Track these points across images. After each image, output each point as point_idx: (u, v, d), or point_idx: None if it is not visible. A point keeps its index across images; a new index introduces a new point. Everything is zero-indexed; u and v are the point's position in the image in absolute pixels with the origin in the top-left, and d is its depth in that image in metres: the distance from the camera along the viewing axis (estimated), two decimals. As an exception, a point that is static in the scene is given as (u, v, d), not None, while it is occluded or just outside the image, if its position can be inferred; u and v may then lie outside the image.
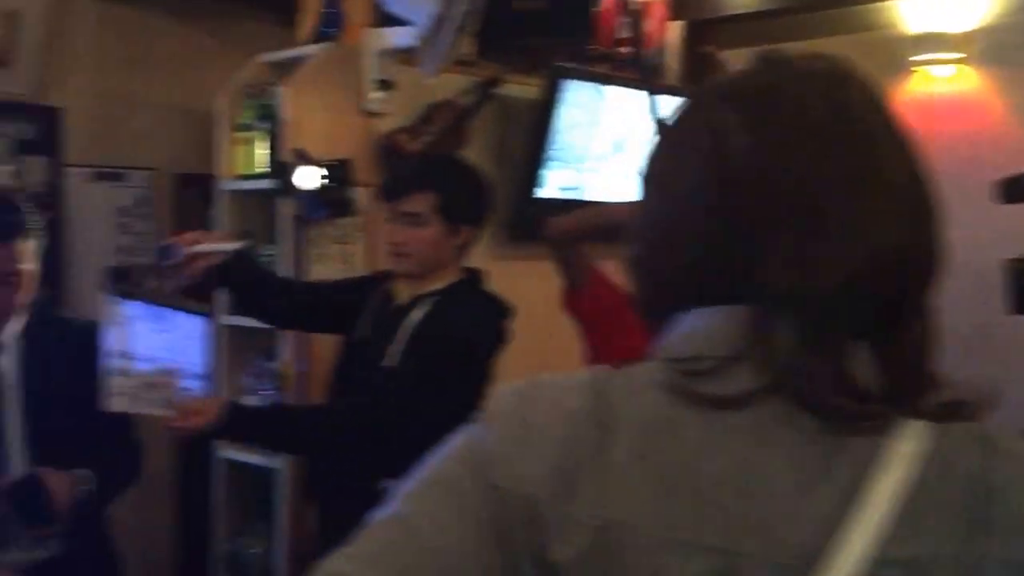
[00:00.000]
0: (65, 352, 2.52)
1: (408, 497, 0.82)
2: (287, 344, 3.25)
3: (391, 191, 2.64)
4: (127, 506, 2.71)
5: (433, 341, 2.51)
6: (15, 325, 2.46)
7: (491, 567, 0.78)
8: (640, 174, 0.92)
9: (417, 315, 2.56)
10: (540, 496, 0.78)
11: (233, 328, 3.45)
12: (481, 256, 3.91)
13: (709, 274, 0.85)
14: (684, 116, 0.91)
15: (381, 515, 0.82)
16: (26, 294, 2.43)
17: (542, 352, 3.91)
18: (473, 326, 2.59)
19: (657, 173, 0.91)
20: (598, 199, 3.82)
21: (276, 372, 3.26)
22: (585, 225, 2.92)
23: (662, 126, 0.91)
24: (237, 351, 3.47)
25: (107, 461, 2.46)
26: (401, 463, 0.93)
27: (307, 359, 3.20)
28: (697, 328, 0.84)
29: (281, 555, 3.29)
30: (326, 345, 3.36)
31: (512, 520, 0.78)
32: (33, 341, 2.48)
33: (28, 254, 2.39)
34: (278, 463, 3.25)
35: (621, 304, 3.03)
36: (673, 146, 0.91)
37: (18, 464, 2.37)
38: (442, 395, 2.41)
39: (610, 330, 3.01)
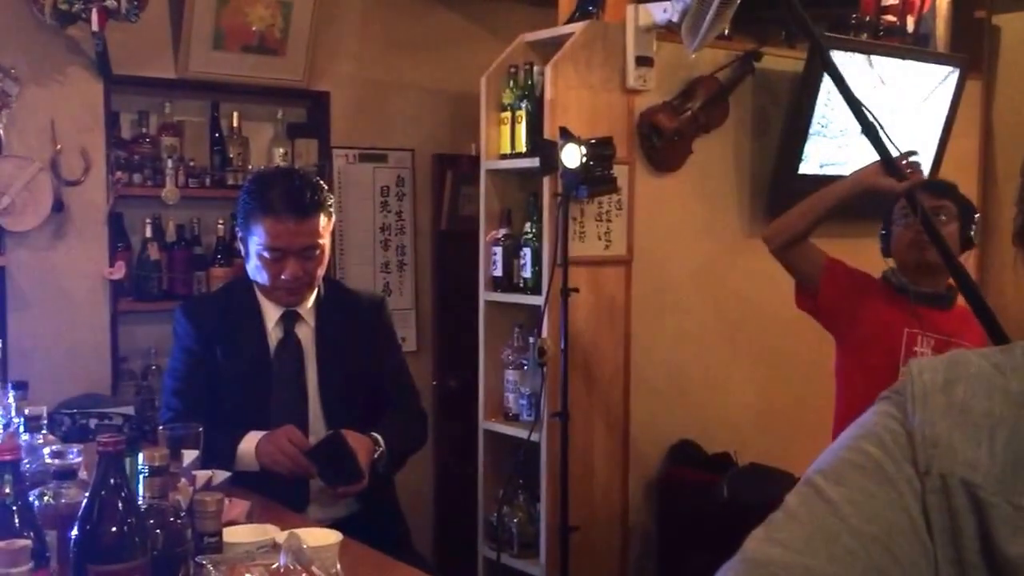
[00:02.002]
0: (355, 323, 2.64)
1: (827, 479, 0.77)
2: (549, 321, 3.29)
3: None
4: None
5: None
6: (312, 297, 2.60)
7: (931, 557, 0.73)
8: None
9: None
10: (987, 485, 0.72)
11: (493, 304, 3.53)
12: (733, 233, 3.86)
13: None
14: None
15: (800, 497, 0.77)
16: (323, 268, 2.57)
17: (792, 332, 3.81)
18: None
19: None
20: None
21: (538, 347, 3.31)
22: (802, 222, 2.81)
23: None
24: (498, 325, 3.55)
25: (396, 427, 2.57)
26: None
27: (566, 336, 3.22)
28: None
29: (542, 526, 3.35)
30: (585, 323, 3.40)
31: (956, 510, 0.73)
32: (327, 312, 2.62)
33: (327, 230, 2.52)
34: (537, 436, 3.31)
35: (854, 293, 2.92)
36: None
37: (319, 427, 2.51)
38: None
39: (848, 319, 2.90)
